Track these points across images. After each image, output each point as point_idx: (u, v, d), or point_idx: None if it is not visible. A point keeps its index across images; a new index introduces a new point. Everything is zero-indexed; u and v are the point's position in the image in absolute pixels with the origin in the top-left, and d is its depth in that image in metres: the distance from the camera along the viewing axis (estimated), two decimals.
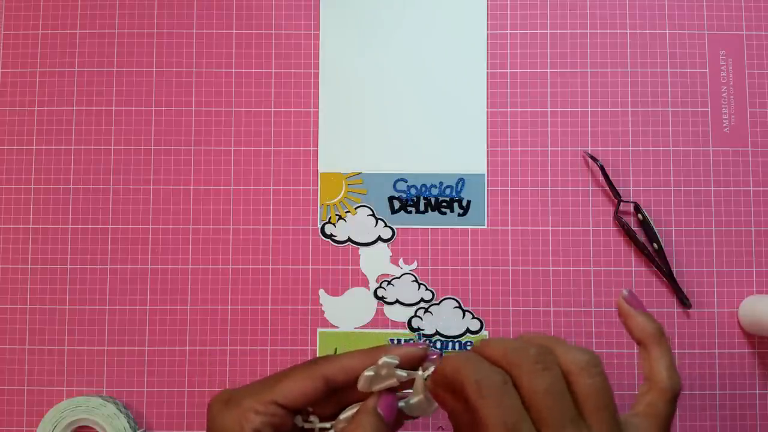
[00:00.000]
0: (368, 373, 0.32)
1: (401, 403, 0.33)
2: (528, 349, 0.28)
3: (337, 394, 0.34)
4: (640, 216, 0.56)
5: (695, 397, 0.55)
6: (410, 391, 0.33)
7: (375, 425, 0.31)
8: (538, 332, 0.31)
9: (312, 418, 0.33)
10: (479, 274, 0.57)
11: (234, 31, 0.60)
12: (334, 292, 0.57)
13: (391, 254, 0.58)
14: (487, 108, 0.59)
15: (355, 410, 0.33)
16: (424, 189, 0.58)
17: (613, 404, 0.28)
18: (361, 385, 0.33)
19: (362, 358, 0.33)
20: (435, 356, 0.34)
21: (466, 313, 0.57)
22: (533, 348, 0.28)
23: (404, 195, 0.58)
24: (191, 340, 0.57)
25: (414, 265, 0.57)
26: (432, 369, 0.33)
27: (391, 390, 0.33)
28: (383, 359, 0.33)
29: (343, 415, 0.33)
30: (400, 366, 0.33)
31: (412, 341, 0.56)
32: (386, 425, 0.31)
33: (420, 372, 0.33)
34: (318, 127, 0.59)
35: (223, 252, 0.58)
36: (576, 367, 0.28)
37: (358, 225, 0.58)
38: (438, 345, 0.57)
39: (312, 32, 0.60)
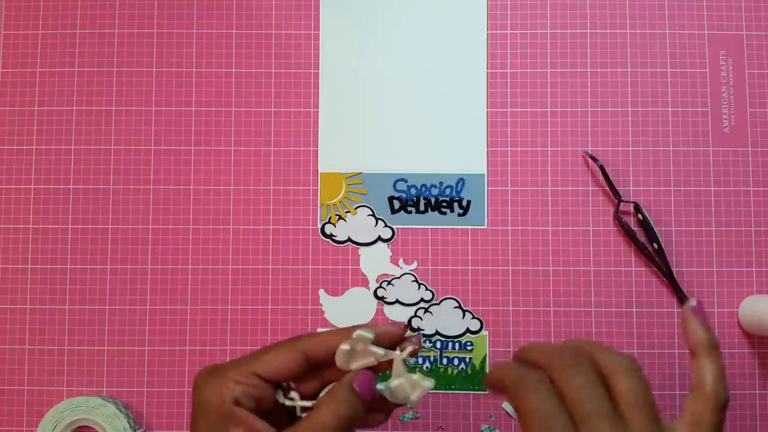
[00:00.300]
0: (344, 346, 0.33)
1: (381, 386, 0.34)
2: (565, 351, 0.29)
3: (319, 372, 0.34)
4: (640, 216, 0.56)
5: None
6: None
7: (348, 399, 0.32)
8: (581, 339, 0.32)
9: (293, 394, 0.34)
10: (479, 274, 0.57)
11: (234, 31, 0.60)
12: (334, 292, 0.57)
13: (391, 254, 0.58)
14: (487, 108, 0.59)
15: None
16: (424, 189, 0.58)
17: (652, 403, 0.28)
18: (338, 360, 0.33)
19: (340, 333, 0.34)
20: (414, 338, 0.34)
21: (466, 313, 0.57)
22: (570, 350, 0.29)
23: (404, 195, 0.58)
24: (191, 340, 0.57)
25: (414, 265, 0.57)
26: (410, 349, 0.34)
27: (370, 369, 0.33)
28: (357, 332, 0.33)
29: (323, 393, 0.33)
30: (376, 342, 0.33)
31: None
32: (362, 401, 0.32)
33: (398, 352, 0.33)
34: (318, 127, 0.59)
35: (223, 252, 0.58)
36: (614, 368, 0.28)
37: (358, 225, 0.58)
38: (438, 345, 0.57)
39: (312, 32, 0.60)
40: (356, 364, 0.33)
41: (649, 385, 0.28)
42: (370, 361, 0.33)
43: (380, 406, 0.34)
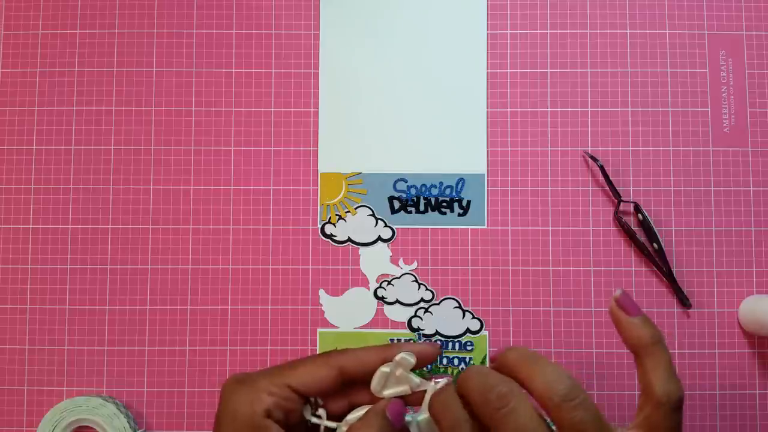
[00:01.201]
0: (384, 369, 0.32)
1: (409, 417, 0.33)
2: (491, 392, 0.28)
3: (349, 392, 0.34)
4: (640, 216, 0.56)
5: (695, 397, 0.55)
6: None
7: (382, 426, 0.31)
8: (518, 348, 0.30)
9: (320, 411, 0.33)
10: (479, 274, 0.57)
11: (234, 31, 0.60)
12: (334, 292, 0.57)
13: (391, 254, 0.58)
14: (487, 108, 0.59)
15: (362, 412, 0.33)
16: (424, 189, 0.58)
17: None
18: (374, 382, 0.32)
19: (378, 352, 0.33)
20: (445, 379, 0.33)
21: (466, 313, 0.57)
22: (494, 393, 0.28)
23: (404, 195, 0.58)
24: (191, 340, 0.57)
25: (414, 265, 0.57)
26: (443, 383, 0.33)
27: (401, 398, 0.33)
28: (401, 355, 0.32)
29: (351, 416, 0.33)
30: (416, 366, 0.33)
31: (411, 341, 0.56)
32: (393, 430, 0.31)
33: (432, 383, 0.33)
34: (318, 127, 0.59)
35: (223, 252, 0.58)
36: (553, 401, 0.27)
37: (358, 225, 0.58)
38: None
39: (312, 32, 0.60)
40: (389, 392, 0.32)
41: (593, 410, 0.27)
42: (404, 389, 0.32)
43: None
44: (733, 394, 0.55)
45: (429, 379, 0.33)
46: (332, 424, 0.33)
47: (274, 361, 0.57)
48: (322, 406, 0.33)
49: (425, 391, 0.33)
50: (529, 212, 0.57)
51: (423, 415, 0.33)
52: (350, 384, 0.33)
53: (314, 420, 0.33)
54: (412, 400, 0.33)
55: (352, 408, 0.33)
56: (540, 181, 0.58)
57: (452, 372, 0.56)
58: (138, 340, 0.57)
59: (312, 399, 0.33)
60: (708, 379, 0.56)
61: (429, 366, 0.56)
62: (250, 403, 0.30)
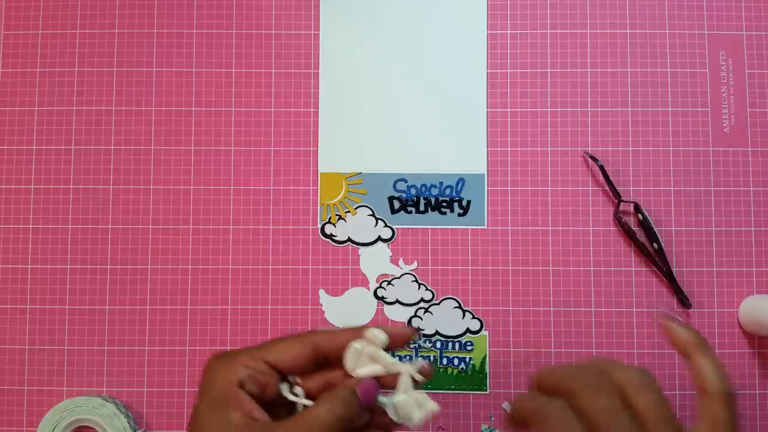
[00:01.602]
0: (356, 345, 0.33)
1: (384, 399, 0.33)
2: (581, 373, 0.29)
3: (325, 371, 0.34)
4: (640, 216, 0.56)
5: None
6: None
7: (348, 400, 0.32)
8: (594, 358, 0.32)
9: (298, 389, 0.33)
10: (479, 274, 0.57)
11: (234, 31, 0.60)
12: (334, 292, 0.57)
13: (391, 254, 0.58)
14: (487, 108, 0.59)
15: None
16: (424, 189, 0.58)
17: (672, 416, 0.28)
18: (347, 359, 0.33)
19: (352, 331, 0.34)
20: (427, 364, 0.34)
21: (466, 313, 0.57)
22: (585, 372, 0.29)
23: (404, 195, 0.58)
24: (191, 340, 0.57)
25: (414, 265, 0.57)
26: (420, 364, 0.33)
27: (377, 380, 0.33)
28: (372, 330, 0.33)
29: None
30: (389, 346, 0.33)
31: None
32: (360, 406, 0.32)
33: (407, 365, 0.33)
34: (318, 127, 0.59)
35: (223, 252, 0.58)
36: (632, 385, 0.29)
37: (358, 225, 0.58)
38: (438, 345, 0.57)
39: (312, 32, 0.60)
40: (364, 370, 0.33)
41: (665, 397, 0.29)
42: (377, 369, 0.33)
43: (381, 423, 0.34)
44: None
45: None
46: (309, 402, 0.33)
47: None
48: (299, 385, 0.34)
49: (401, 373, 0.33)
50: (529, 212, 0.57)
51: (399, 396, 0.33)
52: (326, 363, 0.34)
53: (291, 397, 0.33)
54: (389, 384, 0.34)
55: (329, 387, 0.34)
56: (540, 181, 0.58)
57: (452, 372, 0.56)
58: (138, 340, 0.57)
59: (290, 378, 0.34)
60: None
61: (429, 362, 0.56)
62: (226, 375, 0.32)
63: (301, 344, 0.33)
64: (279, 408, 0.34)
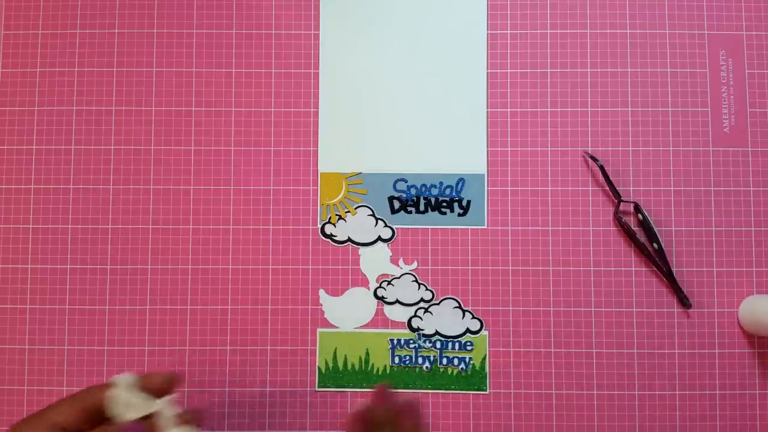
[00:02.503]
0: (111, 393, 0.36)
1: None
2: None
3: (104, 426, 0.37)
4: (640, 216, 0.56)
5: (695, 397, 0.55)
6: None
7: None
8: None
9: None
10: (479, 274, 0.57)
11: (234, 31, 0.60)
12: (334, 292, 0.57)
13: (391, 254, 0.58)
14: (487, 108, 0.59)
15: None
16: (424, 189, 0.58)
17: None
18: (111, 410, 0.36)
19: (107, 385, 0.37)
20: (169, 397, 0.37)
21: (466, 313, 0.57)
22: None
23: (404, 195, 0.58)
24: (191, 340, 0.57)
25: (414, 265, 0.57)
26: (170, 398, 0.37)
27: (143, 420, 0.36)
28: (118, 377, 0.36)
29: None
30: (152, 391, 0.37)
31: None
32: None
33: (158, 402, 0.36)
34: (318, 127, 0.59)
35: (223, 252, 0.58)
36: None
37: (358, 225, 0.58)
38: (438, 345, 0.57)
39: (312, 32, 0.60)
40: (130, 415, 0.36)
41: None
42: (140, 412, 0.36)
43: None
44: (733, 394, 0.55)
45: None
46: None
47: (273, 361, 0.57)
48: None
49: (159, 412, 0.37)
50: (529, 212, 0.57)
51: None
52: (106, 418, 0.37)
53: None
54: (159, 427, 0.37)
55: None
56: (540, 181, 0.58)
57: (452, 372, 0.56)
58: (138, 340, 0.57)
59: None
60: (708, 379, 0.56)
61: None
62: None
63: (80, 404, 0.36)
64: None
